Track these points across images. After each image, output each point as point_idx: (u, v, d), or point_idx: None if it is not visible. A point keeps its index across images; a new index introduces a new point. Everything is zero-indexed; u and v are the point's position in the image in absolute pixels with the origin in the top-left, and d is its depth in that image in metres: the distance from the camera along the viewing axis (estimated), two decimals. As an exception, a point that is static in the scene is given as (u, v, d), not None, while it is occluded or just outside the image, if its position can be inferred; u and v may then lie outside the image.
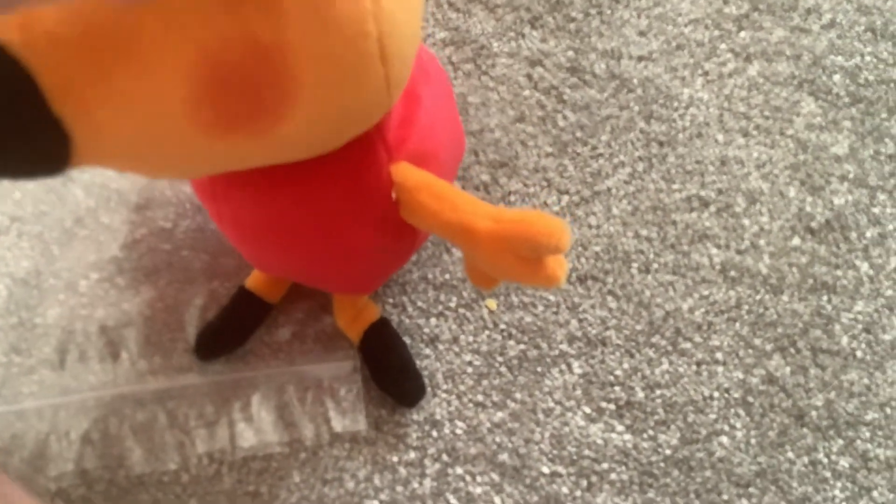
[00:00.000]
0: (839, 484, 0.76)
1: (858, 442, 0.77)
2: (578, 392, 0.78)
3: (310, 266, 0.63)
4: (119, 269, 0.79)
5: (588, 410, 0.77)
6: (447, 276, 0.81)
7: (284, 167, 0.50)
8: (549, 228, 0.46)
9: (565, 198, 0.84)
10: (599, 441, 0.76)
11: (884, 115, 0.89)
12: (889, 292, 0.82)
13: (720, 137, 0.87)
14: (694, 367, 0.79)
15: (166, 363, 0.76)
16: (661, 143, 0.87)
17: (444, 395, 0.77)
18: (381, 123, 0.53)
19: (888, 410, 0.78)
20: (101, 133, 0.38)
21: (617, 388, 0.78)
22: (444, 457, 0.75)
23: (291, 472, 0.74)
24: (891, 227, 0.84)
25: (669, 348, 0.79)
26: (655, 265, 0.82)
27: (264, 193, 0.53)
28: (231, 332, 0.76)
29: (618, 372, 0.79)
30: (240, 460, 0.74)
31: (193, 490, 0.73)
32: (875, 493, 0.75)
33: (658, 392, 0.78)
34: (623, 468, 0.76)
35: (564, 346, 0.79)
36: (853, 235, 0.84)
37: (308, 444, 0.74)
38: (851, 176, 0.86)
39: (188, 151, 0.41)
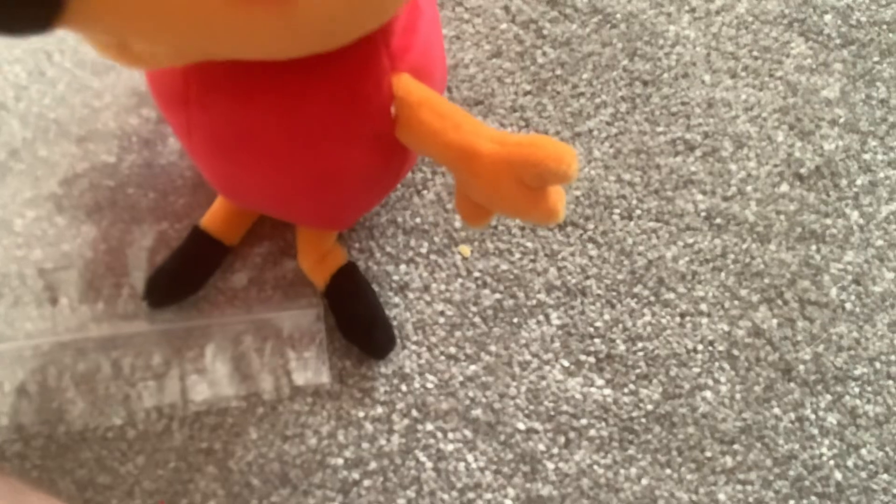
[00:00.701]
0: (826, 441, 0.72)
1: (847, 397, 0.74)
2: (556, 344, 0.73)
3: (286, 190, 0.57)
4: (58, 206, 0.72)
5: (566, 364, 0.73)
6: (418, 220, 0.75)
7: (273, 69, 0.45)
8: (559, 153, 0.43)
9: (544, 139, 0.79)
10: (578, 396, 0.72)
11: (876, 59, 0.85)
12: (879, 242, 0.78)
13: (707, 78, 0.83)
14: (677, 319, 0.75)
15: (110, 310, 0.69)
16: (645, 83, 0.82)
17: (413, 347, 0.72)
18: (386, 26, 0.47)
19: (878, 365, 0.75)
20: None
21: (597, 341, 0.74)
22: (414, 412, 0.70)
23: (248, 428, 0.68)
24: (882, 174, 0.80)
25: (652, 299, 0.75)
26: (638, 211, 0.77)
27: (247, 99, 0.48)
28: (184, 276, 0.70)
29: (598, 323, 0.74)
30: (192, 415, 0.68)
31: (141, 447, 0.67)
32: (864, 451, 0.72)
33: (640, 345, 0.74)
34: (602, 424, 0.72)
35: (542, 296, 0.74)
36: (843, 182, 0.80)
37: (266, 398, 0.69)
38: (842, 121, 0.82)
39: (199, 17, 0.35)
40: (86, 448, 0.67)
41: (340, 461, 0.69)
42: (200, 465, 0.67)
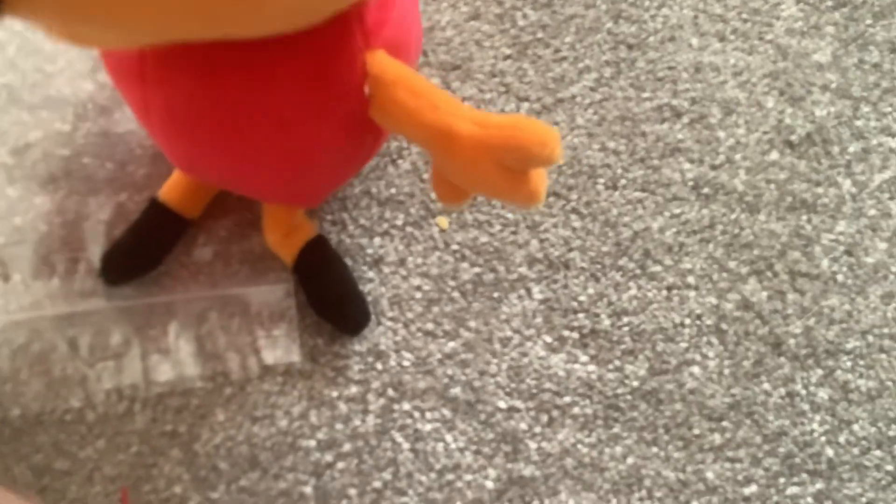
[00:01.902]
0: (818, 417, 0.70)
1: (839, 372, 0.71)
2: (539, 320, 0.70)
3: (251, 169, 0.54)
4: (9, 177, 0.68)
5: (549, 340, 0.70)
6: (393, 191, 0.72)
7: (237, 46, 0.42)
8: (542, 137, 0.42)
9: (525, 105, 0.75)
10: (561, 373, 0.69)
11: (869, 21, 0.82)
12: (872, 212, 0.75)
13: (694, 41, 0.79)
14: (664, 292, 0.72)
15: (66, 286, 0.65)
16: (630, 47, 0.78)
17: (389, 324, 0.69)
18: (361, 2, 0.44)
19: (870, 339, 0.72)
20: None
21: (581, 316, 0.71)
22: (390, 391, 0.67)
23: (215, 409, 0.65)
24: (875, 141, 0.78)
25: (638, 272, 0.72)
26: (623, 181, 0.74)
27: (209, 76, 0.45)
28: (143, 251, 0.66)
29: (582, 297, 0.71)
30: (154, 397, 0.65)
31: (101, 430, 0.64)
32: (856, 427, 0.70)
33: (625, 319, 0.71)
34: (587, 402, 0.69)
35: (524, 270, 0.71)
36: (835, 150, 0.77)
37: (234, 377, 0.66)
38: (834, 86, 0.79)
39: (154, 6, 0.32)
40: (42, 432, 0.63)
41: (313, 443, 0.65)
42: (164, 448, 0.64)
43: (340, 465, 0.65)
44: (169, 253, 0.67)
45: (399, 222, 0.71)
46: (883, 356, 0.72)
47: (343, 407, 0.66)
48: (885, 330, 0.72)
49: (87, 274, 0.66)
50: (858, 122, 0.78)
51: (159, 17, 0.34)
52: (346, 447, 0.66)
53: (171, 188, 0.65)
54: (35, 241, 0.66)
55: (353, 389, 0.67)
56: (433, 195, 0.71)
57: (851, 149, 0.77)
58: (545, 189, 0.46)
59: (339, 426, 0.66)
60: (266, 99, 0.46)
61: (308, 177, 0.57)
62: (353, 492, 0.65)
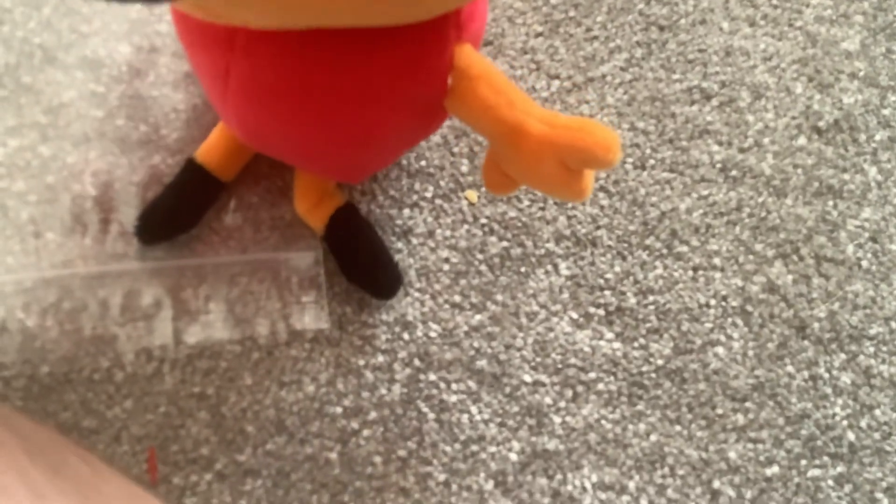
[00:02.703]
0: (840, 401, 0.70)
1: (861, 357, 0.71)
2: (565, 295, 0.70)
3: (318, 146, 0.54)
4: (42, 136, 0.68)
5: (575, 316, 0.70)
6: (423, 164, 0.72)
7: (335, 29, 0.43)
8: (607, 142, 0.43)
9: (556, 83, 0.76)
10: (587, 349, 0.69)
11: (897, 12, 0.82)
12: (897, 200, 0.76)
13: (725, 25, 0.79)
14: (690, 273, 0.72)
15: (98, 246, 0.65)
16: (661, 28, 0.78)
17: (417, 295, 0.69)
18: None
19: (893, 325, 0.72)
20: None
21: (607, 293, 0.71)
22: (416, 361, 0.67)
23: (243, 373, 0.65)
24: (901, 130, 0.78)
25: (664, 251, 0.72)
26: (652, 161, 0.74)
27: (302, 53, 0.45)
28: (179, 213, 0.66)
29: (608, 275, 0.71)
30: (183, 358, 0.65)
31: (129, 390, 0.63)
32: (877, 412, 0.70)
33: (651, 298, 0.71)
34: (611, 378, 0.69)
35: (551, 245, 0.71)
36: (862, 137, 0.77)
37: (262, 342, 0.66)
38: (862, 74, 0.79)
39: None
40: (70, 390, 0.63)
41: (339, 410, 0.65)
42: (192, 410, 0.64)
43: (366, 432, 0.65)
44: (204, 215, 0.66)
45: (428, 194, 0.71)
46: (906, 342, 0.72)
47: (370, 375, 0.66)
48: (909, 317, 0.73)
49: (119, 235, 0.66)
50: (885, 111, 0.78)
51: (319, 6, 0.36)
52: (372, 415, 0.66)
53: (209, 150, 0.65)
54: (68, 201, 0.66)
55: (380, 358, 0.67)
56: (463, 168, 0.71)
57: (878, 137, 0.77)
58: (592, 187, 0.47)
59: (365, 394, 0.66)
60: (357, 82, 0.47)
61: (367, 155, 0.57)
62: (378, 459, 0.65)
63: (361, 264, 0.66)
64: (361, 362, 0.67)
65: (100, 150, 0.68)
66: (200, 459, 0.63)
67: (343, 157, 0.57)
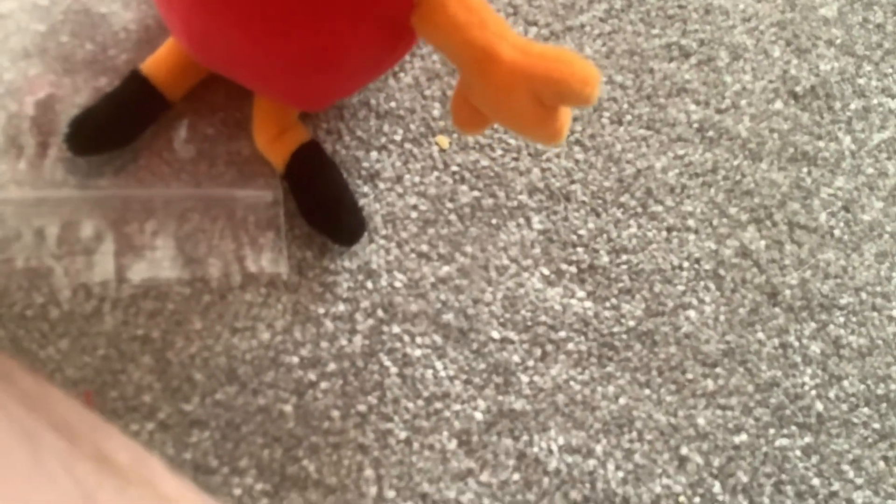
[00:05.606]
0: (809, 370, 0.69)
1: (831, 327, 0.70)
2: (537, 250, 0.67)
3: (274, 61, 0.49)
4: (-25, 48, 0.61)
5: (546, 272, 0.67)
6: (392, 105, 0.68)
7: None
8: (585, 74, 0.40)
9: (533, 30, 0.72)
10: (557, 307, 0.66)
11: (874, -18, 0.81)
12: (870, 170, 0.75)
13: (706, -17, 0.77)
14: (664, 233, 0.70)
15: (34, 171, 0.59)
16: (642, -19, 0.76)
17: (382, 242, 0.65)
18: None
19: (863, 295, 0.71)
20: None
21: (580, 250, 0.68)
22: (380, 312, 0.63)
23: (192, 316, 0.60)
24: (875, 100, 0.77)
25: (639, 210, 0.70)
26: (629, 116, 0.72)
27: None
28: (115, 123, 0.60)
29: (581, 231, 0.68)
30: (126, 298, 0.59)
31: (65, 329, 0.58)
32: (846, 383, 0.69)
33: (624, 257, 0.68)
34: (581, 338, 0.66)
35: (524, 198, 0.68)
36: (837, 105, 0.76)
37: (214, 285, 0.61)
38: (839, 42, 0.78)
39: None
40: (0, 327, 0.57)
41: (296, 360, 0.61)
42: (135, 354, 0.59)
43: (324, 384, 0.61)
44: (142, 132, 0.60)
45: (398, 138, 0.67)
46: (875, 314, 0.71)
47: (329, 325, 0.62)
48: (878, 288, 0.72)
49: (59, 160, 0.60)
50: (860, 80, 0.77)
51: None
52: (331, 367, 0.61)
53: (156, 63, 0.60)
54: (3, 122, 0.60)
55: (341, 307, 0.63)
56: (435, 112, 0.68)
57: (853, 106, 0.76)
58: (568, 129, 0.44)
59: (324, 344, 0.62)
60: None
61: (329, 78, 0.53)
62: (335, 413, 0.61)
63: (324, 206, 0.61)
64: (321, 310, 0.62)
65: (40, 67, 0.61)
66: (142, 407, 0.58)
67: (300, 77, 0.53)
